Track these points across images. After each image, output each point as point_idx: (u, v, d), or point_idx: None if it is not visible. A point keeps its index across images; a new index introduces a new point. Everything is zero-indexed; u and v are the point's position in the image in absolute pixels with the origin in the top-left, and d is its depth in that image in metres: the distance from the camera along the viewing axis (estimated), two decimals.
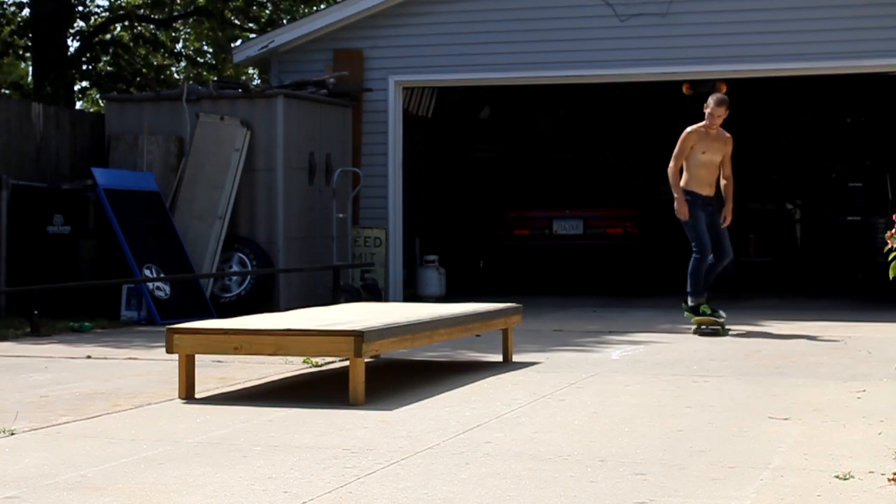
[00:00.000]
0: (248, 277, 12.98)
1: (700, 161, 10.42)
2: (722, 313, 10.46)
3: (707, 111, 10.42)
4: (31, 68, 23.20)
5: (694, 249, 10.40)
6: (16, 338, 10.33)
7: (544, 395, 6.68)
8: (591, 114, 20.26)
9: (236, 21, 23.98)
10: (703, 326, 10.37)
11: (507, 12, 14.37)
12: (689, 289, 10.43)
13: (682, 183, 10.41)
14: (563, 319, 12.02)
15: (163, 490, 4.31)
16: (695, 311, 10.37)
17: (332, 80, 14.24)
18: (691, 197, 10.36)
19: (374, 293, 13.95)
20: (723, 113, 10.44)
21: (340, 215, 14.07)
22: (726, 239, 10.54)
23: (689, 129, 10.51)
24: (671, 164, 10.43)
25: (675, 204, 10.32)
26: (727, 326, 10.43)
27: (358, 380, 6.35)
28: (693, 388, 6.93)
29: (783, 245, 19.22)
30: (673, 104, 20.07)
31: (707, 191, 10.48)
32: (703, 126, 10.47)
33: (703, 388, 6.93)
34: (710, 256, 10.38)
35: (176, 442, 5.27)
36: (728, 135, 10.67)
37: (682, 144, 10.39)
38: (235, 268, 13.05)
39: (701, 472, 4.58)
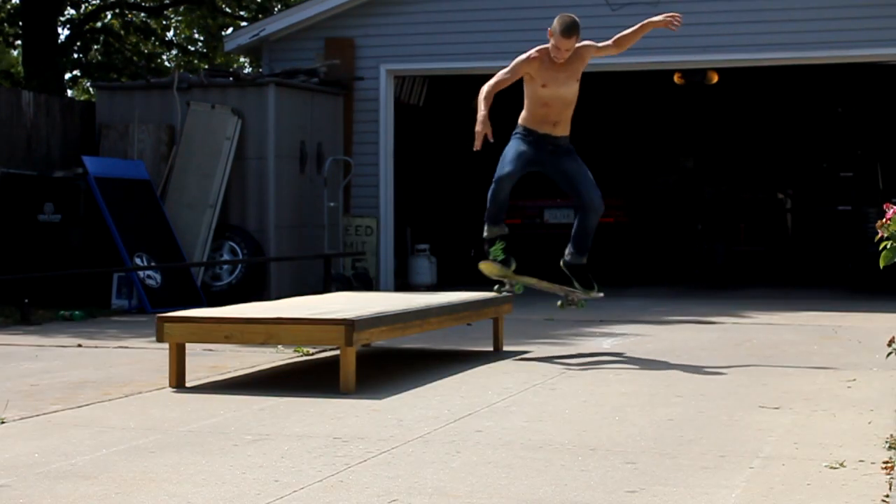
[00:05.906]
0: (239, 266, 12.97)
1: (540, 97, 8.34)
2: (510, 270, 8.20)
3: (551, 42, 8.22)
4: (21, 56, 23.13)
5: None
6: (6, 326, 10.31)
7: (535, 383, 6.68)
8: (581, 102, 20.22)
9: (227, 9, 23.94)
10: (501, 287, 8.44)
11: (498, 0, 14.35)
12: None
13: (520, 119, 8.33)
14: (555, 309, 12.01)
15: (153, 478, 4.31)
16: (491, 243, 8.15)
17: (323, 68, 14.21)
18: (523, 131, 8.24)
19: (366, 282, 13.94)
20: (570, 46, 8.28)
21: (332, 204, 14.06)
22: (586, 185, 8.21)
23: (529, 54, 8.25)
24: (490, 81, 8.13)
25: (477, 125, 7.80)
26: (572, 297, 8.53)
27: (349, 369, 6.34)
28: (684, 378, 6.94)
29: (774, 234, 19.25)
30: (664, 93, 20.10)
31: (547, 129, 8.34)
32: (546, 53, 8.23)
33: (693, 378, 6.94)
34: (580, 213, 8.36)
35: (166, 430, 5.27)
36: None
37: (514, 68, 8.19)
38: (226, 256, 13.04)
39: (691, 461, 4.59)
